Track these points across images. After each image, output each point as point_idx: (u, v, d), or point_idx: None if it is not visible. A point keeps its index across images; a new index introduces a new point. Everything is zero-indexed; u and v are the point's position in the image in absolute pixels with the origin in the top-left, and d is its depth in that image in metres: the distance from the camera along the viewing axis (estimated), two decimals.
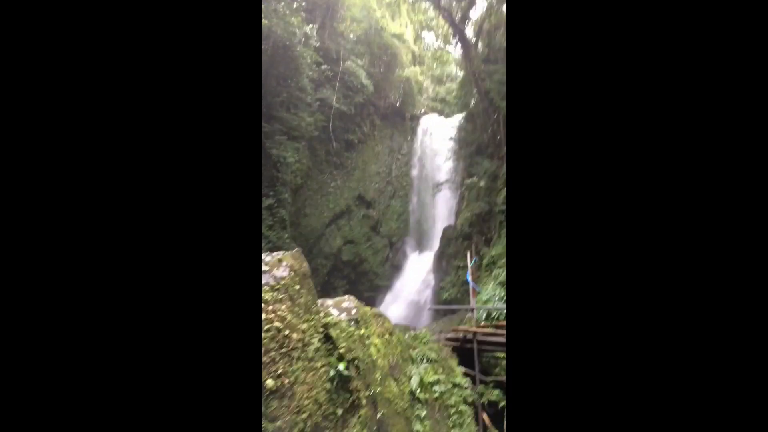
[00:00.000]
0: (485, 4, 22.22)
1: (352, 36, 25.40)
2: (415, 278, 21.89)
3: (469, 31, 23.37)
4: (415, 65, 30.90)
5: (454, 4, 21.84)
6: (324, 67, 21.14)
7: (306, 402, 4.48)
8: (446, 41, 28.04)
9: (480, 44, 23.55)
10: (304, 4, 20.17)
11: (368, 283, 23.94)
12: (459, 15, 21.81)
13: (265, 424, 3.86)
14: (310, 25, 19.38)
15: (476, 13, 23.49)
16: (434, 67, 33.28)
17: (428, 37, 32.79)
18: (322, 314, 5.32)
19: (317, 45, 20.18)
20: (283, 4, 17.55)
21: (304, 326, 4.86)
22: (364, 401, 5.13)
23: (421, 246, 25.08)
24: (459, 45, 23.03)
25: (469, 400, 6.56)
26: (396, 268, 24.45)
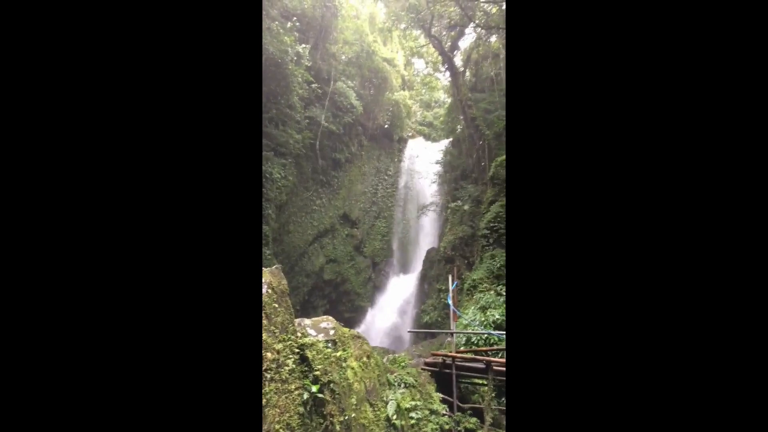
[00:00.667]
0: (474, 35, 23.06)
1: (343, 57, 25.87)
2: (396, 300, 21.69)
3: (458, 60, 24.14)
4: (404, 89, 31.56)
5: (444, 33, 22.59)
6: (314, 86, 21.36)
7: (277, 426, 4.31)
8: (435, 68, 28.83)
9: (468, 73, 24.30)
10: (298, 24, 20.51)
11: (349, 303, 23.61)
12: (448, 44, 22.55)
13: None
14: (303, 45, 19.69)
15: (465, 43, 24.37)
16: (423, 92, 34.08)
17: (418, 63, 33.70)
18: (298, 334, 5.19)
19: (309, 64, 20.46)
20: (277, 23, 17.83)
21: (279, 346, 4.72)
22: (338, 427, 4.96)
23: (403, 267, 24.99)
24: (447, 72, 23.71)
25: (446, 427, 6.42)
26: (378, 289, 24.22)
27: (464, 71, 23.84)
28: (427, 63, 29.54)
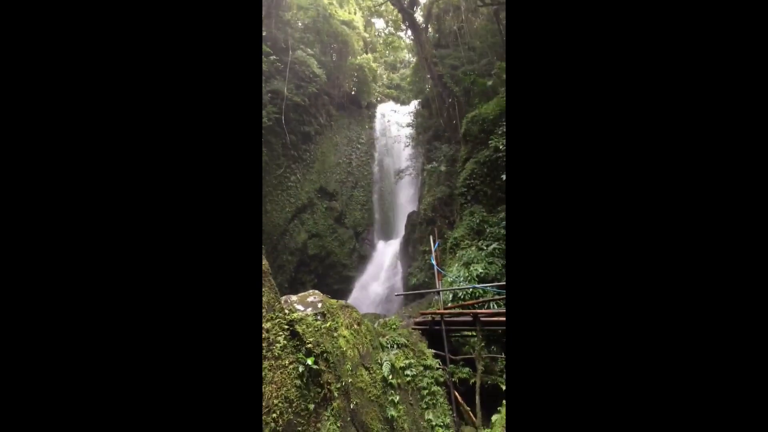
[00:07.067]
0: None
1: (300, 24, 24.71)
2: (383, 266, 21.98)
3: (419, 16, 23.37)
4: (367, 52, 30.59)
5: None
6: (273, 57, 20.44)
7: (275, 401, 4.40)
8: (397, 27, 27.89)
9: (430, 29, 23.62)
10: None
11: (336, 275, 23.81)
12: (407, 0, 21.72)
13: None
14: None
15: None
16: (387, 53, 33.12)
17: (378, 23, 32.52)
18: (286, 311, 5.21)
19: (264, 35, 19.47)
20: None
21: (268, 325, 4.74)
22: (336, 393, 5.10)
23: (386, 234, 25.18)
24: (409, 30, 22.98)
25: (441, 380, 6.70)
26: (363, 258, 24.45)
27: (426, 27, 23.16)
28: (387, 22, 28.56)
